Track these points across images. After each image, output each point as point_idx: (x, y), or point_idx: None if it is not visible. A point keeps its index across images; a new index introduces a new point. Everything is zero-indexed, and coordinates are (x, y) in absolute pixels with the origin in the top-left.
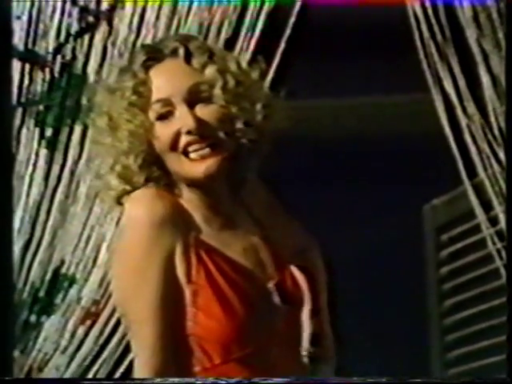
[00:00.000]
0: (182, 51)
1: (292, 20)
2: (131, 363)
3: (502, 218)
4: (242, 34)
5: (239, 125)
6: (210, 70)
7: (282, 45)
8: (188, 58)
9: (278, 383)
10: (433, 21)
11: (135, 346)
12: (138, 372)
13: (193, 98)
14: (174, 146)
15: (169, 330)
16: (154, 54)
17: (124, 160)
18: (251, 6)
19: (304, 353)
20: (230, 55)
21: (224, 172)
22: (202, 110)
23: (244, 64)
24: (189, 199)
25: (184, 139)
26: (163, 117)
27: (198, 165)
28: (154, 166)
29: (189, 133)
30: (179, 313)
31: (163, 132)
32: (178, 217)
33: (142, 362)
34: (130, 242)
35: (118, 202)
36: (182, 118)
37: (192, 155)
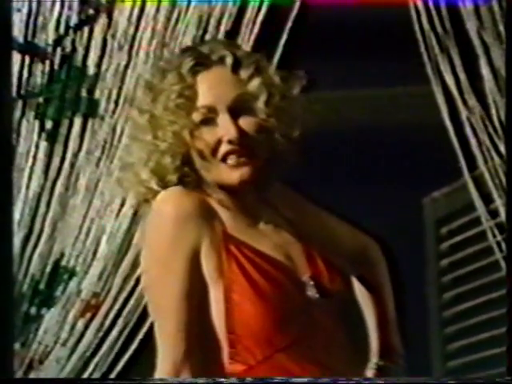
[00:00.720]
0: (230, 60)
1: (293, 12)
2: (131, 356)
3: (502, 210)
4: (243, 27)
5: (277, 136)
6: (255, 83)
7: (284, 36)
8: (236, 67)
9: (280, 382)
10: (433, 13)
11: (158, 338)
12: (160, 364)
13: (236, 108)
14: (213, 152)
15: (192, 324)
16: (202, 60)
17: (160, 158)
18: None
19: (372, 365)
20: (273, 68)
21: (255, 179)
22: (243, 121)
23: (286, 78)
24: (217, 198)
25: (224, 148)
26: (205, 122)
27: (233, 171)
28: (187, 166)
29: (230, 142)
30: (204, 307)
31: (204, 137)
32: (205, 213)
33: (163, 355)
34: (156, 235)
35: (145, 199)
36: (225, 127)
37: (229, 161)
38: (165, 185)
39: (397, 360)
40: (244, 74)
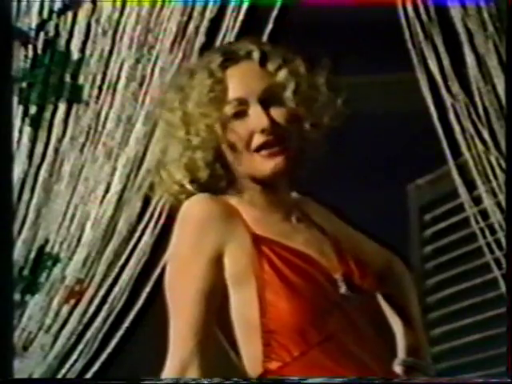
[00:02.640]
0: (257, 54)
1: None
2: (116, 344)
3: (484, 197)
4: (228, 13)
5: (306, 125)
6: (283, 74)
7: (270, 25)
8: (263, 61)
9: (290, 383)
10: (418, 0)
11: (171, 335)
12: (168, 361)
13: (266, 99)
14: (246, 144)
15: (205, 324)
16: (230, 56)
17: (193, 154)
18: None
19: (399, 363)
20: (298, 59)
21: (289, 170)
22: (274, 111)
23: (312, 68)
24: (248, 196)
25: (257, 139)
26: (237, 115)
27: (266, 162)
28: (218, 163)
29: (263, 131)
30: (222, 309)
31: (237, 130)
32: (230, 217)
33: (172, 351)
34: (179, 238)
35: (177, 199)
36: (257, 117)
37: (262, 152)
38: (197, 182)
39: (424, 357)
40: (271, 66)
